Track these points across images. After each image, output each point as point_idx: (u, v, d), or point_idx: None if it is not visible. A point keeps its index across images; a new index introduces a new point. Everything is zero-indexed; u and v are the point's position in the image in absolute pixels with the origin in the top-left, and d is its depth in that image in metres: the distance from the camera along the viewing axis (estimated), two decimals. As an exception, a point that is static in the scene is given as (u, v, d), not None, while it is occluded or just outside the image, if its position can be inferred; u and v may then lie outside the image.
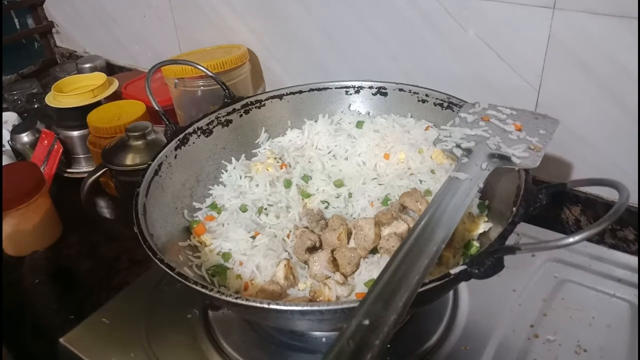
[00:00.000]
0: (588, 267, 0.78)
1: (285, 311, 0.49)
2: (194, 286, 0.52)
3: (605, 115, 0.79)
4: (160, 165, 0.70)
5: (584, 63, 0.77)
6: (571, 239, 0.47)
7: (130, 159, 0.89)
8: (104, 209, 1.07)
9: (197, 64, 0.86)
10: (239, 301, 0.50)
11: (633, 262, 0.78)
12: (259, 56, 1.16)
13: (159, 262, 0.55)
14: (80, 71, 1.39)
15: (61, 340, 0.72)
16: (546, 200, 0.57)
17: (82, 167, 1.16)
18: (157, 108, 0.78)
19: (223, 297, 0.50)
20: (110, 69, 1.47)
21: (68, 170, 1.15)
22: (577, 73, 0.78)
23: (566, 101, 0.81)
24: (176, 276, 0.53)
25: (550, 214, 0.90)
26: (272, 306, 0.49)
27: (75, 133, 1.13)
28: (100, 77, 1.19)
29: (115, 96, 1.16)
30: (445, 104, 0.78)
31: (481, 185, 0.61)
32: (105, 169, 0.89)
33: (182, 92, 1.06)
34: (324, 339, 0.68)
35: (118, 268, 0.90)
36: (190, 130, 0.76)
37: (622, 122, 0.78)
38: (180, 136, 0.75)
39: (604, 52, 0.75)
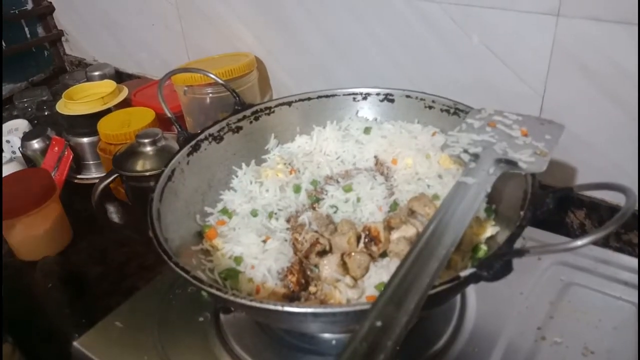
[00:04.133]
0: (594, 270, 0.79)
1: (299, 313, 0.50)
2: (209, 289, 0.53)
3: (608, 119, 0.80)
4: (173, 171, 0.71)
5: (587, 69, 0.78)
6: (579, 242, 0.48)
7: (141, 165, 0.91)
8: (114, 214, 1.09)
9: (209, 72, 0.87)
10: (254, 304, 0.51)
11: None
12: (266, 63, 1.18)
13: (173, 266, 0.56)
14: (89, 79, 1.40)
15: (75, 343, 0.73)
16: (553, 204, 0.58)
17: (92, 174, 1.17)
18: (169, 115, 0.80)
19: (238, 300, 0.51)
20: (119, 77, 1.48)
21: (78, 176, 1.17)
22: (581, 79, 0.80)
23: (570, 106, 0.82)
24: (191, 279, 0.54)
25: (555, 217, 0.91)
26: (286, 308, 0.50)
27: (86, 140, 1.15)
28: (110, 85, 1.21)
29: (125, 103, 1.18)
30: (452, 110, 0.79)
31: (489, 190, 0.61)
32: (117, 174, 0.90)
33: (191, 99, 1.07)
34: (334, 342, 0.69)
35: (128, 273, 0.91)
36: (201, 136, 0.77)
37: (625, 126, 0.79)
38: (192, 143, 0.76)
39: (607, 58, 0.76)
